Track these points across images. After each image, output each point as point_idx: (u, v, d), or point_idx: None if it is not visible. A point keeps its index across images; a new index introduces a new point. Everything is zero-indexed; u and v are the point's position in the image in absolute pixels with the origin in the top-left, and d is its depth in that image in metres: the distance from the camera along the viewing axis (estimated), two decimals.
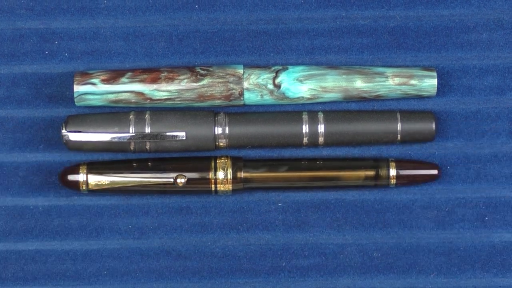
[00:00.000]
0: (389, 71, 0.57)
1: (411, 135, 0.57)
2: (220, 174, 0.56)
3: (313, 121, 0.56)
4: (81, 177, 0.56)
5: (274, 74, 0.57)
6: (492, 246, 0.57)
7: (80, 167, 0.56)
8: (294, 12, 0.58)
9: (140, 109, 0.57)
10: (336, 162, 0.57)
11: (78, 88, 0.56)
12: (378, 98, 0.57)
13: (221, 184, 0.56)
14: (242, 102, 0.57)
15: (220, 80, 0.56)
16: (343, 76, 0.57)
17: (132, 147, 0.57)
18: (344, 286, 0.57)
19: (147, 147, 0.56)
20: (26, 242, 0.57)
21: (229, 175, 0.56)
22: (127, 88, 0.56)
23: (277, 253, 0.58)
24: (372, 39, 0.58)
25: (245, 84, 0.57)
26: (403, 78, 0.57)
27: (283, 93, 0.57)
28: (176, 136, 0.56)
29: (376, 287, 0.57)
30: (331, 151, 0.58)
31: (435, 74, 0.57)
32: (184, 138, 0.56)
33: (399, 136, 0.56)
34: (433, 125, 0.56)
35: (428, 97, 0.58)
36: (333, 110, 0.57)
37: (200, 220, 0.58)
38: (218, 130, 0.56)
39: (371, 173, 0.56)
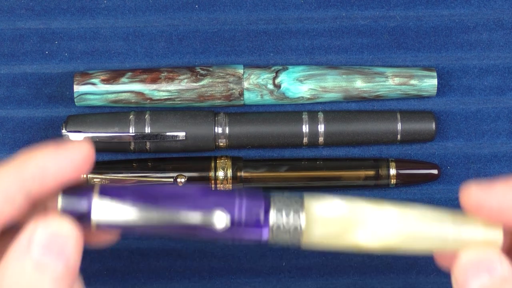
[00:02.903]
0: (389, 71, 0.57)
1: (411, 135, 0.57)
2: (220, 174, 0.56)
3: (313, 121, 0.56)
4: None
5: (274, 74, 0.57)
6: None
7: None
8: (294, 12, 0.58)
9: (140, 109, 0.57)
10: (336, 162, 0.57)
11: (78, 88, 0.56)
12: (378, 98, 0.57)
13: (221, 184, 0.56)
14: (242, 102, 0.57)
15: (220, 80, 0.57)
16: (343, 76, 0.57)
17: (132, 147, 0.57)
18: (344, 286, 0.57)
19: (147, 147, 0.56)
20: None
21: (229, 175, 0.56)
22: (127, 88, 0.56)
23: (277, 253, 0.58)
24: (372, 39, 0.58)
25: (245, 84, 0.57)
26: (403, 78, 0.57)
27: (283, 93, 0.57)
28: (176, 136, 0.56)
29: (375, 287, 0.57)
30: (331, 151, 0.58)
31: (435, 74, 0.57)
32: (184, 138, 0.56)
33: (399, 136, 0.56)
34: (433, 125, 0.56)
35: (428, 97, 0.58)
36: (333, 110, 0.57)
37: None
38: (218, 130, 0.56)
39: (371, 173, 0.56)
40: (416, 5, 0.58)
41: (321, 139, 0.57)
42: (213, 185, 0.56)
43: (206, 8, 0.58)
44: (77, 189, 0.40)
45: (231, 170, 0.56)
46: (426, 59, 0.58)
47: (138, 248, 0.58)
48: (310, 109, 0.58)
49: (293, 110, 0.58)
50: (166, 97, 0.57)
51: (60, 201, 0.39)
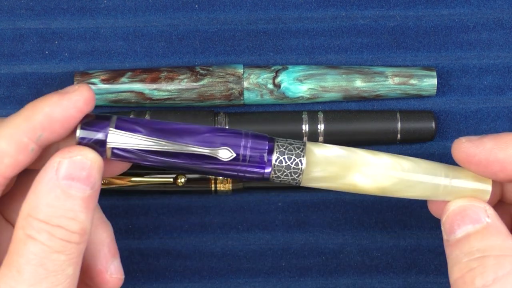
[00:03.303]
0: (389, 70, 0.57)
1: (411, 135, 0.57)
2: None
3: (313, 120, 0.56)
4: None
5: (274, 73, 0.57)
6: None
7: None
8: (294, 12, 0.58)
9: (140, 109, 0.57)
10: None
11: None
12: (378, 98, 0.57)
13: (221, 183, 0.56)
14: (242, 102, 0.57)
15: (220, 80, 0.57)
16: (343, 75, 0.57)
17: None
18: (344, 285, 0.57)
19: None
20: None
21: None
22: (127, 88, 0.56)
23: (277, 253, 0.58)
24: (372, 38, 0.58)
25: (245, 84, 0.57)
26: (403, 78, 0.57)
27: (283, 93, 0.57)
28: None
29: (375, 287, 0.57)
30: None
31: (434, 73, 0.57)
32: None
33: (399, 135, 0.57)
34: (433, 125, 0.56)
35: (428, 97, 0.58)
36: (333, 110, 0.57)
37: (200, 220, 0.58)
38: None
39: None
40: (416, 4, 0.58)
41: (321, 139, 0.57)
42: (213, 185, 0.56)
43: (206, 8, 0.58)
44: (95, 120, 0.43)
45: None
46: (426, 58, 0.58)
47: (138, 248, 0.58)
48: (310, 108, 0.58)
49: (293, 110, 0.58)
50: (166, 96, 0.57)
51: (78, 131, 0.43)
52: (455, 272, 0.43)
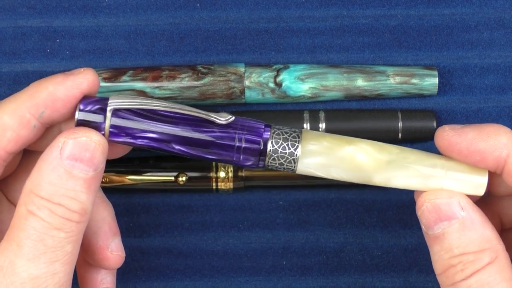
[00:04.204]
0: (390, 69, 0.57)
1: (412, 134, 0.57)
2: (221, 173, 0.56)
3: (314, 119, 0.56)
4: None
5: (275, 72, 0.57)
6: None
7: None
8: (295, 11, 0.58)
9: None
10: None
11: None
12: (379, 97, 0.57)
13: (222, 182, 0.56)
14: (243, 101, 0.57)
15: (221, 79, 0.57)
16: (344, 74, 0.57)
17: None
18: (344, 284, 0.57)
19: None
20: None
21: (230, 174, 0.56)
22: (129, 86, 0.56)
23: (278, 252, 0.58)
24: (373, 38, 0.58)
25: (246, 83, 0.57)
26: (404, 77, 0.57)
27: (284, 92, 0.57)
28: None
29: (376, 286, 0.57)
30: None
31: (436, 73, 0.57)
32: None
33: (400, 134, 0.57)
34: (434, 124, 0.57)
35: (429, 96, 0.58)
36: (334, 109, 0.57)
37: (201, 219, 0.58)
38: None
39: None
40: (417, 4, 0.58)
41: None
42: (214, 184, 0.56)
43: (208, 6, 0.58)
44: (93, 101, 0.44)
45: (232, 169, 0.56)
46: (427, 58, 0.58)
47: (139, 246, 0.58)
48: (311, 107, 0.58)
49: (294, 109, 0.58)
50: (167, 95, 0.57)
51: (77, 111, 0.44)
52: (438, 268, 0.44)
